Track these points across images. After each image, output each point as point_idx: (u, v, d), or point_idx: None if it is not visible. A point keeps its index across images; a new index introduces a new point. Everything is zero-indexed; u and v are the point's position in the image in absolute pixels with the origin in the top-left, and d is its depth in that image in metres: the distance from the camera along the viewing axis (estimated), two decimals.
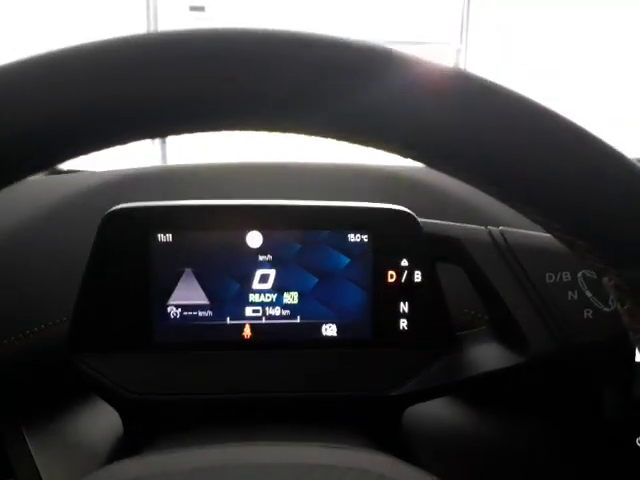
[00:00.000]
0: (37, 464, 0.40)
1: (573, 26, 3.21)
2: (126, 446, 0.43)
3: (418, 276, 0.41)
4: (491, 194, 0.18)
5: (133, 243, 0.42)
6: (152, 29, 3.61)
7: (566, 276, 0.41)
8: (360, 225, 0.42)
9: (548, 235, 0.23)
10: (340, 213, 0.42)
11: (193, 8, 3.47)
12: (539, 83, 2.79)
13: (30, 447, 0.41)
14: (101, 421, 0.46)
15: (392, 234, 0.41)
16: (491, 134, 0.16)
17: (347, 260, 0.42)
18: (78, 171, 0.69)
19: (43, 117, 0.14)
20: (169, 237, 0.42)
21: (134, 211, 0.41)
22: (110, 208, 0.41)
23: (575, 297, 0.40)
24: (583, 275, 0.41)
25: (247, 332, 0.43)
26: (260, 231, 0.42)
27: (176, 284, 0.43)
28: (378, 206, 0.41)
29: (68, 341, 0.41)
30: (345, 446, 0.30)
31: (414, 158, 0.17)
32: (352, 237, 0.42)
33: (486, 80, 0.16)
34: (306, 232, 0.42)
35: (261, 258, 0.42)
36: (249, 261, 0.42)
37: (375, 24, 3.36)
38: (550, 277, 0.41)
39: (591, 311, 0.40)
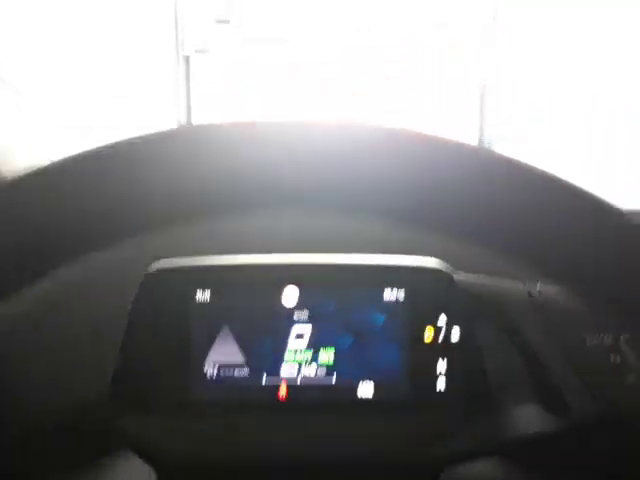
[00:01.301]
0: None
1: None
2: None
3: (456, 334, 0.41)
4: None
5: (172, 302, 0.42)
6: (180, 40, 3.66)
7: (607, 338, 0.40)
8: (396, 282, 0.42)
9: None
10: (375, 270, 0.42)
11: (219, 21, 3.51)
12: None
13: None
14: (136, 478, 0.46)
15: (428, 291, 0.41)
16: None
17: (383, 318, 0.42)
18: None
19: None
20: (207, 296, 0.42)
21: (174, 270, 0.42)
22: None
23: (618, 361, 0.40)
24: (625, 338, 0.40)
25: (282, 393, 0.43)
26: (296, 287, 0.42)
27: (213, 342, 0.43)
28: (413, 263, 0.41)
29: (109, 403, 0.41)
30: None
31: None
32: (388, 294, 0.42)
33: None
34: (342, 289, 0.42)
35: (297, 315, 0.42)
36: (285, 318, 0.43)
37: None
38: (591, 339, 0.40)
39: (635, 376, 0.40)
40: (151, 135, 0.25)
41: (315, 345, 0.43)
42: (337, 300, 0.43)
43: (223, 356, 0.43)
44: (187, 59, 3.25)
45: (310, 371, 0.43)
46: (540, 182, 0.22)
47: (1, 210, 0.23)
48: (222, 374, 0.43)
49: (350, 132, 0.26)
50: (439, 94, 2.13)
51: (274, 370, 0.43)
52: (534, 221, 0.22)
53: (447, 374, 0.41)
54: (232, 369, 0.43)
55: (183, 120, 2.40)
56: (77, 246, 0.25)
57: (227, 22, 3.22)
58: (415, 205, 0.23)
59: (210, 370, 0.43)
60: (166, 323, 0.42)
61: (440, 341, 0.41)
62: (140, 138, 0.25)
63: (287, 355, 0.43)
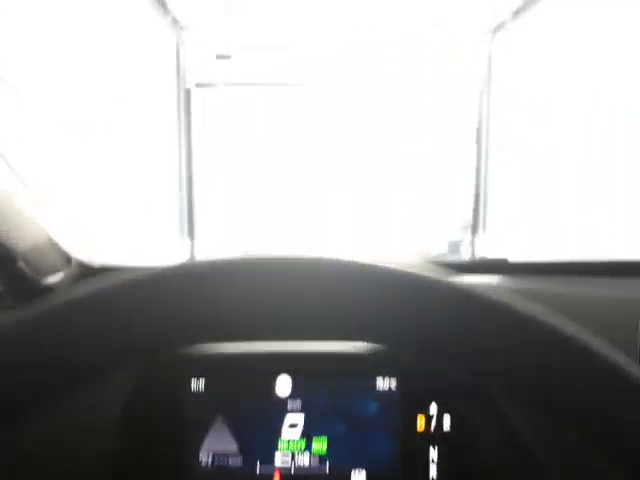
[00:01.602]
0: None
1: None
2: None
3: (447, 421, 0.42)
4: None
5: (168, 390, 0.43)
6: (181, 76, 3.71)
7: None
8: (388, 371, 0.42)
9: None
10: (368, 359, 0.43)
11: (220, 56, 3.56)
12: None
13: None
14: None
15: (419, 380, 0.42)
16: None
17: (375, 406, 0.43)
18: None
19: None
20: (202, 385, 0.43)
21: (170, 359, 0.43)
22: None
23: None
24: None
25: None
26: (290, 376, 0.43)
27: (208, 431, 0.43)
28: (405, 351, 0.42)
29: None
30: None
31: None
32: (380, 383, 0.43)
33: None
34: (335, 378, 0.43)
35: (290, 404, 0.43)
36: (279, 407, 0.43)
37: None
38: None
39: None
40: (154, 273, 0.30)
41: (308, 434, 0.44)
42: (330, 389, 0.43)
43: (217, 445, 0.44)
44: (188, 92, 3.27)
45: (304, 460, 0.44)
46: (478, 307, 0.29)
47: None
48: (217, 463, 0.44)
49: (321, 269, 0.32)
50: (439, 95, 2.12)
51: (268, 459, 0.44)
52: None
53: (439, 462, 0.42)
54: (226, 458, 0.43)
55: (184, 146, 2.40)
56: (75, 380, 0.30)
57: (228, 57, 3.25)
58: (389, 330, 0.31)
59: (205, 459, 0.44)
60: (162, 411, 0.43)
61: (432, 429, 0.42)
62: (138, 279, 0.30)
63: (281, 444, 0.44)
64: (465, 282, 0.33)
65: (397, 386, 0.42)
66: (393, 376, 0.42)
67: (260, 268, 0.33)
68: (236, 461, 0.43)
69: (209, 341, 0.42)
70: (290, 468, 0.43)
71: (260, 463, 0.44)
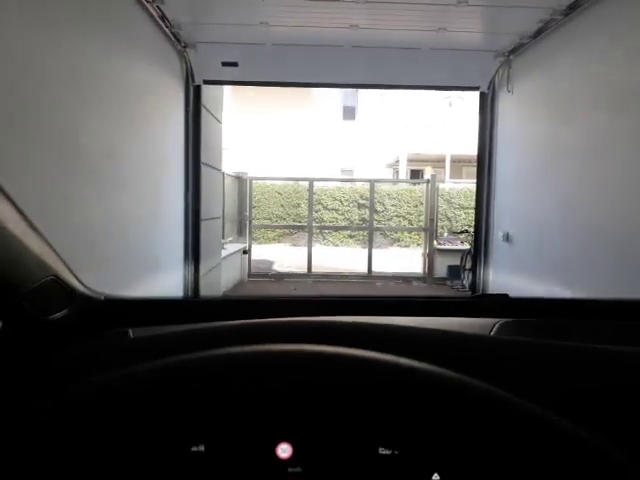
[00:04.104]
0: None
1: None
2: None
3: None
4: None
5: (168, 453, 0.42)
6: (190, 82, 3.84)
7: None
8: (390, 440, 0.41)
9: None
10: (370, 427, 0.41)
11: (225, 64, 3.69)
12: None
13: None
14: None
15: (421, 449, 0.40)
16: None
17: (377, 475, 0.41)
18: None
19: None
20: (202, 449, 0.42)
21: (168, 421, 0.42)
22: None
23: None
24: None
25: None
26: (290, 443, 0.42)
27: None
28: (406, 417, 0.40)
29: None
30: None
31: None
32: (383, 450, 0.41)
33: None
34: (337, 444, 0.41)
35: (290, 470, 0.42)
36: (278, 474, 0.42)
37: None
38: None
39: None
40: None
41: None
42: (331, 455, 0.41)
43: None
44: (198, 87, 3.55)
45: None
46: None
47: None
48: None
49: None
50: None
51: None
52: None
53: None
54: None
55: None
56: None
57: (235, 65, 3.62)
58: None
59: None
60: (162, 474, 0.42)
61: None
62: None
63: None
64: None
65: (399, 455, 0.42)
66: (397, 447, 0.41)
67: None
68: None
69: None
70: None
71: None
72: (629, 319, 0.77)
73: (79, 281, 0.75)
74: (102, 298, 0.79)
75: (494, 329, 0.80)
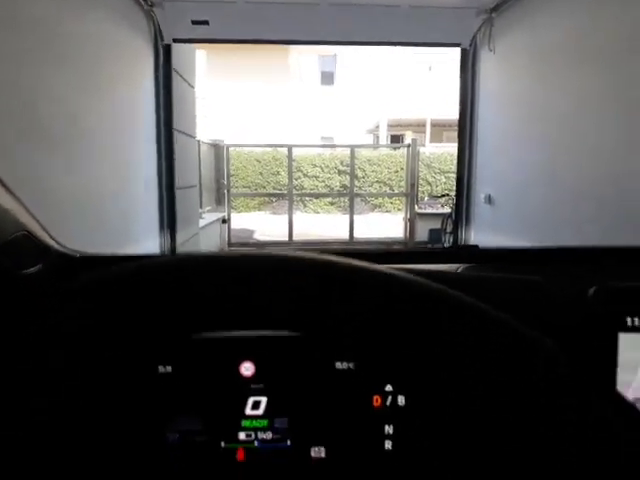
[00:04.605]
0: None
1: None
2: None
3: (402, 401, 0.44)
4: None
5: (137, 373, 0.45)
6: (159, 44, 3.65)
7: None
8: (346, 355, 0.44)
9: None
10: (327, 343, 0.45)
11: (195, 22, 3.51)
12: None
13: None
14: None
15: (376, 362, 0.44)
16: None
17: (335, 386, 0.45)
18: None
19: None
20: (169, 369, 0.45)
21: (138, 344, 0.44)
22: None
23: None
24: None
25: (240, 456, 0.46)
26: (253, 361, 0.45)
27: (175, 412, 0.45)
28: (362, 333, 0.43)
29: None
30: None
31: None
32: (339, 365, 0.45)
33: None
34: (296, 360, 0.45)
35: (253, 386, 0.45)
36: (242, 389, 0.45)
37: None
38: None
39: None
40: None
41: (271, 414, 0.46)
42: (291, 371, 0.45)
43: (184, 423, 0.46)
44: (168, 47, 3.35)
45: (266, 438, 0.46)
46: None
47: None
48: (183, 439, 0.45)
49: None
50: None
51: (232, 437, 0.46)
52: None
53: (393, 437, 0.44)
54: (192, 435, 0.45)
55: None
56: None
57: (206, 23, 3.41)
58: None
59: (172, 436, 0.45)
60: (131, 393, 0.45)
61: (387, 408, 0.44)
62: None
63: (244, 423, 0.46)
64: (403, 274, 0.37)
65: (354, 369, 0.45)
66: (351, 360, 0.45)
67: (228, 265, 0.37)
68: (202, 438, 0.45)
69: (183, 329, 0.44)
70: (253, 445, 0.46)
71: (224, 440, 0.46)
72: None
73: (52, 238, 0.74)
74: (77, 255, 0.78)
75: (458, 270, 0.84)
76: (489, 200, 4.11)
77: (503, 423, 0.37)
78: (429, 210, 7.68)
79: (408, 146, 7.72)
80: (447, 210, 6.78)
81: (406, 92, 12.75)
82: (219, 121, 12.40)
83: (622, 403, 0.35)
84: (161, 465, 0.45)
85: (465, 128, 4.47)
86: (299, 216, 10.03)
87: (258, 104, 13.41)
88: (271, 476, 0.45)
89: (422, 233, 7.21)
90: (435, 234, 6.90)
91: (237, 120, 12.94)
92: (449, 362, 0.38)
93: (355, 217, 7.50)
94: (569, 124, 2.79)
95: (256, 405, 0.46)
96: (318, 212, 11.38)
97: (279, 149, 10.68)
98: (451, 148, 10.78)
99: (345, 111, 13.88)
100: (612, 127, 2.40)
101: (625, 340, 0.51)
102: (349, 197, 7.83)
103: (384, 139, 13.48)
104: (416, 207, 7.45)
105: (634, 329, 0.52)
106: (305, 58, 14.15)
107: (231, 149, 8.00)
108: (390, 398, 0.44)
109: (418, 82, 12.61)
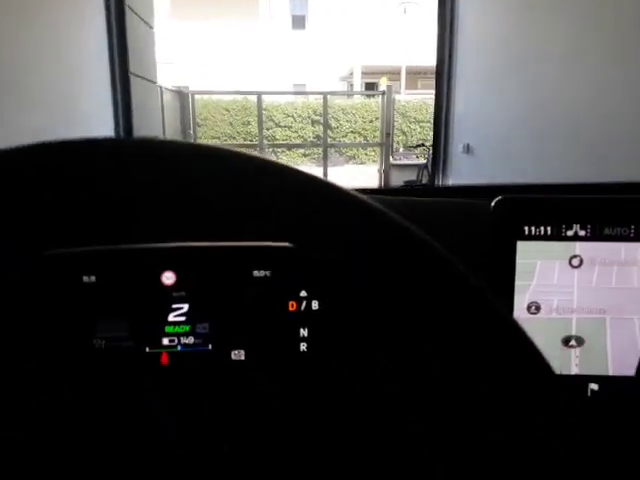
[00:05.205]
0: None
1: None
2: None
3: (316, 305, 0.47)
4: None
5: (60, 285, 0.45)
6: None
7: None
8: (262, 264, 0.47)
9: None
10: (244, 253, 0.47)
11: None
12: None
13: None
14: None
15: (290, 271, 0.47)
16: None
17: (253, 293, 0.48)
18: None
19: None
20: (92, 279, 0.46)
21: (62, 256, 0.45)
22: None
23: None
24: None
25: (165, 360, 0.48)
26: (174, 270, 0.47)
27: (100, 320, 0.46)
28: (274, 245, 0.46)
29: None
30: None
31: None
32: (256, 273, 0.48)
33: None
34: (215, 270, 0.47)
35: (175, 294, 0.47)
36: (165, 298, 0.47)
37: None
38: None
39: None
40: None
41: (192, 320, 0.48)
42: (211, 280, 0.47)
43: (109, 331, 0.47)
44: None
45: (188, 342, 0.48)
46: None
47: None
48: (108, 346, 0.47)
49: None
50: None
51: (156, 342, 0.48)
52: None
53: (308, 339, 0.47)
54: (118, 341, 0.47)
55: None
56: None
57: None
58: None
59: (97, 343, 0.46)
60: (54, 304, 0.45)
61: (301, 312, 0.47)
62: None
63: (167, 329, 0.47)
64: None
65: (270, 276, 0.47)
66: (267, 269, 0.47)
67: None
68: (127, 343, 0.48)
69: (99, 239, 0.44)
70: (176, 349, 0.48)
71: (149, 346, 0.48)
72: None
73: None
74: None
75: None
76: (467, 150, 4.00)
77: (411, 329, 0.41)
78: (404, 161, 7.60)
79: (383, 93, 7.50)
80: (422, 161, 6.69)
81: (380, 37, 12.36)
82: (185, 67, 11.86)
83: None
84: (88, 370, 0.47)
85: (443, 74, 4.30)
86: None
87: (226, 48, 12.84)
88: (194, 378, 0.48)
89: (397, 184, 7.14)
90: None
91: (204, 65, 12.40)
92: (359, 269, 0.40)
93: (329, 169, 7.34)
94: (563, 63, 2.65)
95: (179, 312, 0.48)
96: (291, 164, 11.12)
97: (249, 97, 10.30)
98: (427, 96, 10.60)
99: (318, 57, 13.43)
100: (603, 72, 2.26)
101: (522, 247, 0.57)
102: (323, 148, 7.62)
103: (358, 86, 13.15)
104: (391, 158, 7.32)
105: (530, 237, 0.58)
106: (276, 0, 13.52)
107: (197, 97, 7.63)
108: (305, 303, 0.47)
109: (392, 26, 12.20)
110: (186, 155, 0.39)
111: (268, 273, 0.46)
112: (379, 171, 7.47)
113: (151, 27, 4.51)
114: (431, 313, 0.38)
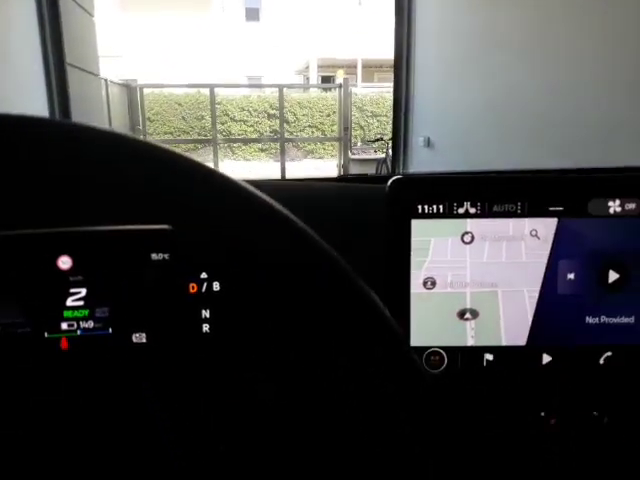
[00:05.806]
0: None
1: None
2: None
3: (217, 286, 0.46)
4: None
5: None
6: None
7: None
8: (160, 247, 0.45)
9: None
10: (142, 236, 0.45)
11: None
12: None
13: None
14: None
15: (191, 252, 0.45)
16: None
17: (152, 276, 0.46)
18: None
19: None
20: None
21: None
22: None
23: None
24: None
25: (64, 345, 0.47)
26: (70, 254, 0.45)
27: None
28: (152, 228, 0.44)
29: None
30: None
31: None
32: (154, 257, 0.46)
33: None
34: (112, 254, 0.45)
35: (72, 279, 0.46)
36: (62, 282, 0.46)
37: None
38: None
39: None
40: None
41: (91, 304, 0.46)
42: (109, 264, 0.46)
43: (4, 317, 0.45)
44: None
45: (88, 326, 0.46)
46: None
47: None
48: (5, 332, 0.45)
49: None
50: None
51: (54, 327, 0.46)
52: None
53: (210, 320, 0.46)
54: (15, 327, 0.45)
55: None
56: None
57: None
58: None
59: None
60: None
61: (202, 293, 0.46)
62: None
63: (66, 314, 0.46)
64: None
65: (169, 259, 0.45)
66: (166, 252, 0.45)
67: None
68: (24, 329, 0.46)
69: None
70: (75, 334, 0.46)
71: (47, 331, 0.46)
72: None
73: None
74: None
75: None
76: (428, 143, 3.92)
77: (293, 307, 0.41)
78: (363, 156, 7.52)
79: (340, 86, 7.37)
80: (381, 155, 6.63)
81: (336, 30, 12.22)
82: (134, 61, 11.41)
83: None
84: None
85: (401, 67, 4.21)
86: (228, 163, 9.59)
87: (178, 41, 12.43)
88: (95, 362, 0.47)
89: None
90: None
91: (155, 59, 11.96)
92: (253, 251, 0.41)
93: (287, 164, 7.17)
94: (519, 58, 2.57)
95: (77, 297, 0.46)
96: (248, 159, 10.93)
97: (203, 91, 9.98)
98: (383, 89, 10.55)
99: (273, 50, 13.17)
100: (566, 60, 2.19)
101: (417, 225, 0.59)
102: (280, 143, 7.43)
103: (314, 80, 12.98)
104: (349, 153, 7.23)
105: (424, 216, 0.59)
106: None
107: (147, 90, 7.28)
108: (205, 285, 0.46)
109: (348, 19, 12.09)
110: (69, 136, 0.38)
111: (167, 256, 0.46)
112: (338, 166, 7.36)
113: (91, 15, 4.21)
114: (302, 293, 0.40)
